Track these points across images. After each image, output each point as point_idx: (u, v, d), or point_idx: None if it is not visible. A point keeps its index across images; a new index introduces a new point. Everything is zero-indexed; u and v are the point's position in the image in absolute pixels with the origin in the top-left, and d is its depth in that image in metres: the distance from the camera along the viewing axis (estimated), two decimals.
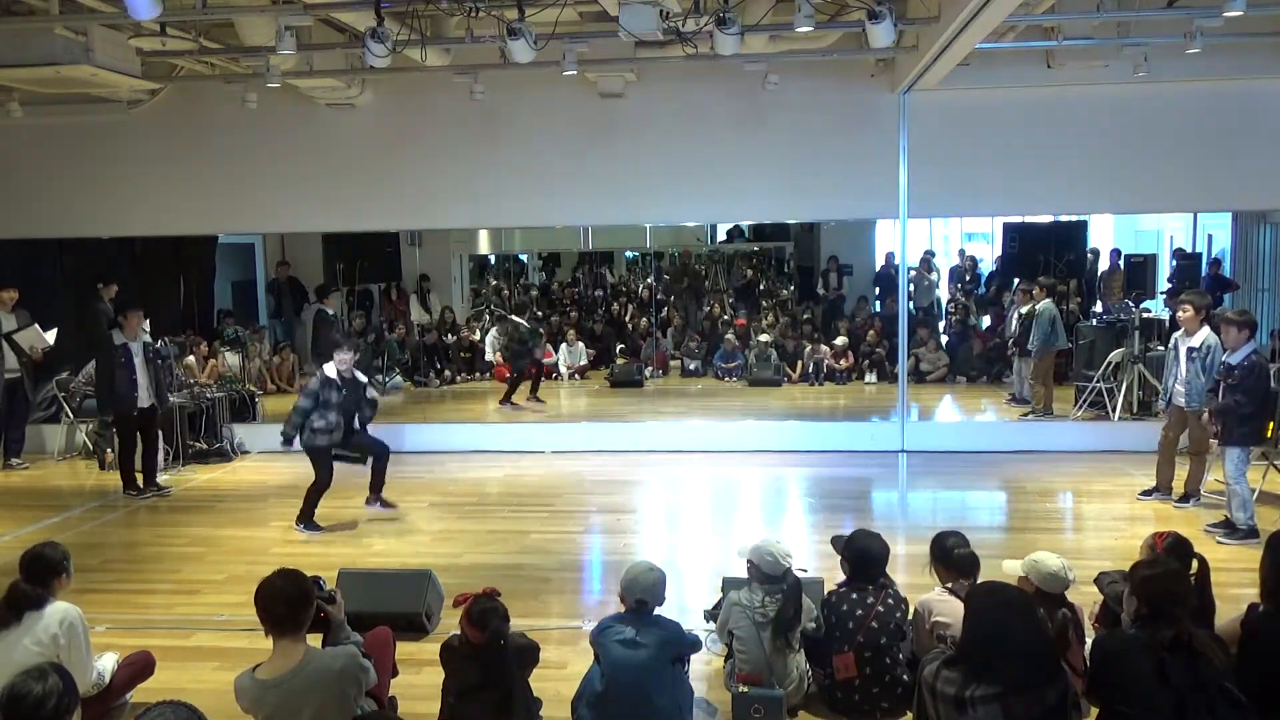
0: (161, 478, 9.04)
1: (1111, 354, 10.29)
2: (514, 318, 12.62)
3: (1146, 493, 7.99)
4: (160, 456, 9.25)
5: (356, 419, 7.60)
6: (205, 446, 10.12)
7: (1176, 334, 7.69)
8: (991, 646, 3.14)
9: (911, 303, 13.76)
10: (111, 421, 8.82)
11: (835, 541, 4.78)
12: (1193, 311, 7.37)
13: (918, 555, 4.87)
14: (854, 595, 4.47)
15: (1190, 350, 7.35)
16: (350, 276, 13.42)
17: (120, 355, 8.43)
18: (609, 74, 9.53)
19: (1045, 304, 10.80)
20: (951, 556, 4.41)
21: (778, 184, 10.07)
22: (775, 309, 15.82)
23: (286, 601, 3.48)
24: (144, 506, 8.55)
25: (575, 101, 9.99)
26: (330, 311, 11.20)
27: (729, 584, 5.06)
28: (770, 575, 4.46)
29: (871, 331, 13.67)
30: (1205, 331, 7.34)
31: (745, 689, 4.27)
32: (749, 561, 4.58)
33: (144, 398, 8.60)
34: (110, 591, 6.30)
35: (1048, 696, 3.09)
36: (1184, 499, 7.75)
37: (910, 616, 4.50)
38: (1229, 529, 6.97)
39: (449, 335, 14.54)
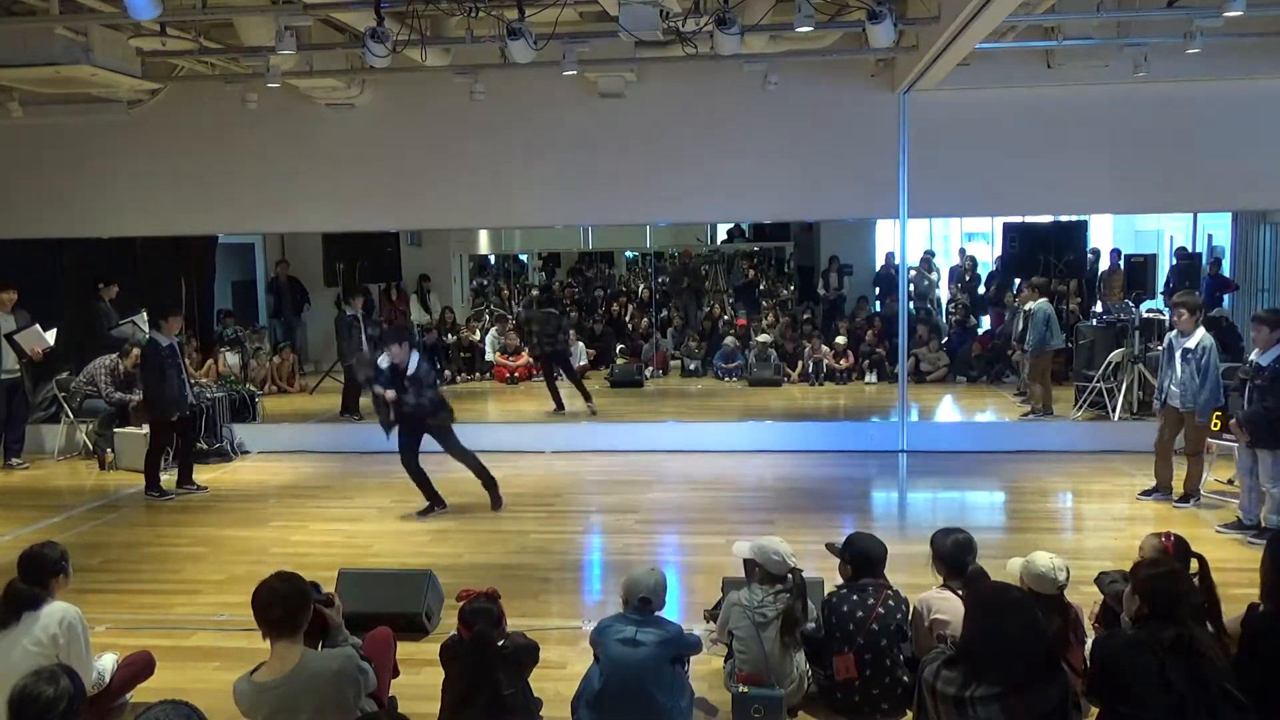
0: (161, 478, 9.02)
1: (1111, 354, 10.29)
2: (546, 309, 12.45)
3: (1146, 493, 7.98)
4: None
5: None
6: (205, 446, 10.11)
7: (1170, 334, 7.68)
8: (992, 646, 3.14)
9: (912, 303, 13.76)
10: (151, 422, 8.83)
11: (830, 547, 4.78)
12: (1187, 314, 7.36)
13: (918, 555, 4.87)
14: (854, 596, 4.48)
15: (1186, 351, 7.34)
16: (350, 276, 13.41)
17: (168, 355, 8.51)
18: (609, 74, 9.52)
19: (1040, 304, 10.73)
20: (964, 572, 4.38)
21: (777, 184, 10.07)
22: (775, 309, 15.83)
23: (283, 604, 3.48)
24: (144, 507, 8.55)
25: (575, 101, 9.98)
26: (350, 313, 11.26)
27: (729, 584, 5.06)
28: (774, 574, 4.47)
29: (871, 331, 13.67)
30: (1201, 332, 7.34)
31: (745, 689, 4.27)
32: (748, 561, 4.59)
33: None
34: (110, 591, 6.29)
35: (1048, 697, 3.08)
36: (1184, 499, 7.74)
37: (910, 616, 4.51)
38: (1238, 528, 6.94)
39: (449, 335, 14.54)
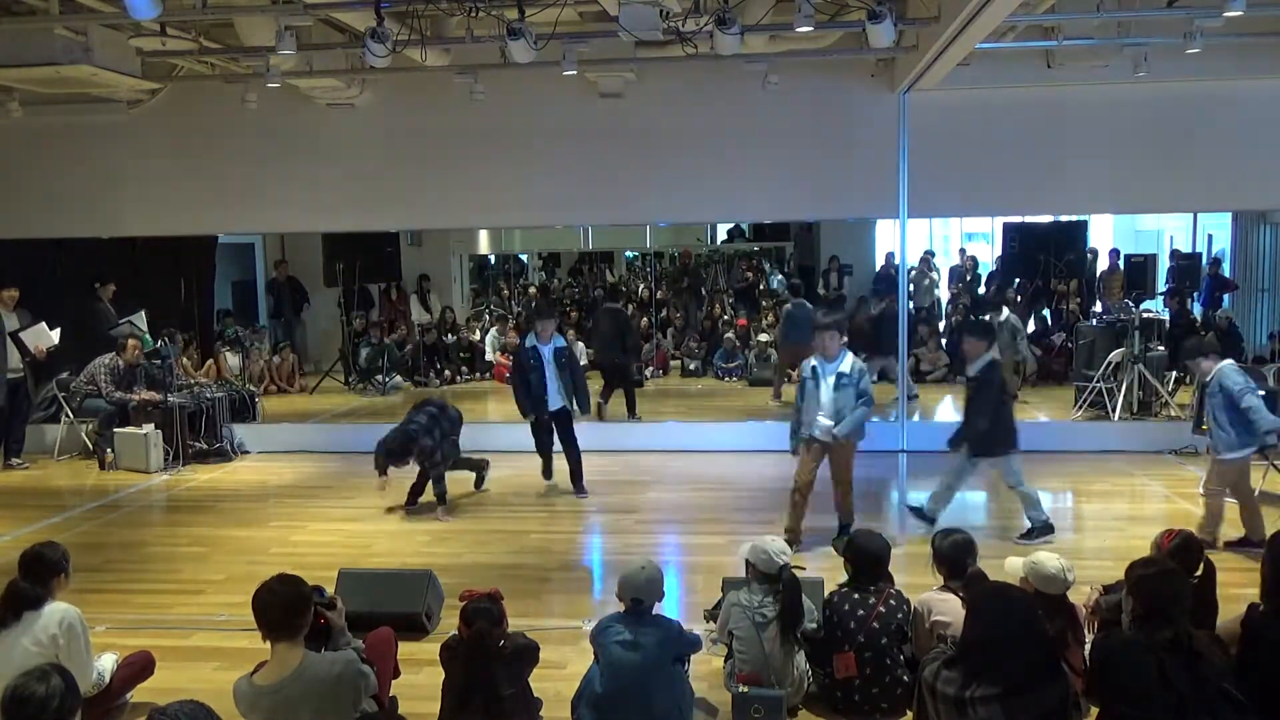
0: (161, 478, 9.04)
1: (1111, 354, 10.30)
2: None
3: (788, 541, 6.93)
4: None
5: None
6: (205, 446, 10.12)
7: (811, 361, 6.83)
8: (992, 647, 3.14)
9: (911, 302, 13.76)
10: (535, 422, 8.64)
11: (836, 545, 4.79)
12: (839, 336, 6.91)
13: (918, 555, 4.87)
14: (855, 595, 4.48)
15: (841, 376, 6.67)
16: (350, 276, 13.42)
17: (533, 358, 8.35)
18: (609, 74, 9.51)
19: (790, 304, 11.60)
20: (964, 573, 4.38)
21: (778, 184, 10.06)
22: (775, 309, 15.81)
23: (283, 606, 3.48)
24: (143, 506, 8.56)
25: (575, 101, 9.98)
26: (616, 306, 11.88)
27: (729, 584, 5.06)
28: (766, 574, 4.47)
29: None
30: (849, 354, 6.84)
31: (745, 689, 4.27)
32: (746, 561, 4.59)
33: (554, 400, 8.41)
34: (110, 591, 6.29)
35: (1048, 697, 3.09)
36: (843, 530, 6.76)
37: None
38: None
39: (449, 335, 14.54)
